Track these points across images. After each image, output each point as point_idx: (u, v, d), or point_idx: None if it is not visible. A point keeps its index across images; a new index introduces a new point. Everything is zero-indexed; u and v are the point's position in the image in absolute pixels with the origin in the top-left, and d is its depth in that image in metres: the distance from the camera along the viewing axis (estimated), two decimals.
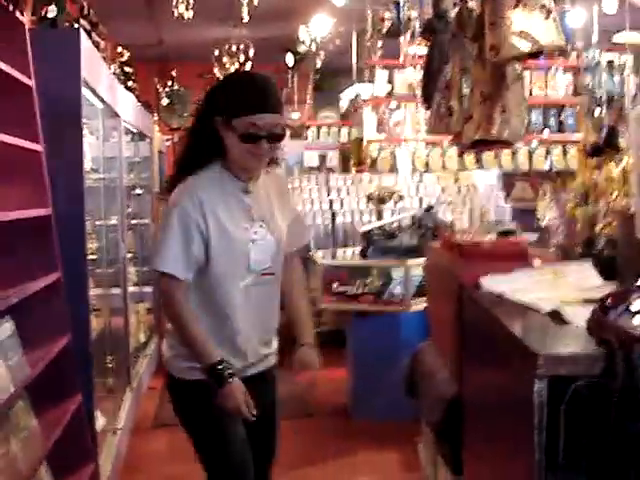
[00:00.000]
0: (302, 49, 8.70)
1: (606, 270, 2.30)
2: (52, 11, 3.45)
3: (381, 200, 6.11)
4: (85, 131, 3.39)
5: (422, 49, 6.16)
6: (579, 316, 1.77)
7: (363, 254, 5.15)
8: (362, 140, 7.52)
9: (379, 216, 6.22)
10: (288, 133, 2.27)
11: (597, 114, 4.46)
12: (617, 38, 5.84)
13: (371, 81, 7.45)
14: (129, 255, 5.23)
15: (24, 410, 2.70)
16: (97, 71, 3.55)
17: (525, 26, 2.73)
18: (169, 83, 10.03)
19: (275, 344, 2.51)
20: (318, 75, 10.04)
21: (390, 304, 4.88)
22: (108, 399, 4.16)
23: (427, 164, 7.21)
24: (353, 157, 8.00)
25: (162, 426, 4.90)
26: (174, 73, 10.02)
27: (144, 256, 6.19)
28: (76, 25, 3.87)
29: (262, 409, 2.35)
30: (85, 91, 3.23)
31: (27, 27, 2.82)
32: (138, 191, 5.84)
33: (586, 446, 1.57)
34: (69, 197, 3.11)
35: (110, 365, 4.30)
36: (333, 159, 8.99)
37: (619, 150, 3.37)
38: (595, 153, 3.49)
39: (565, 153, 7.25)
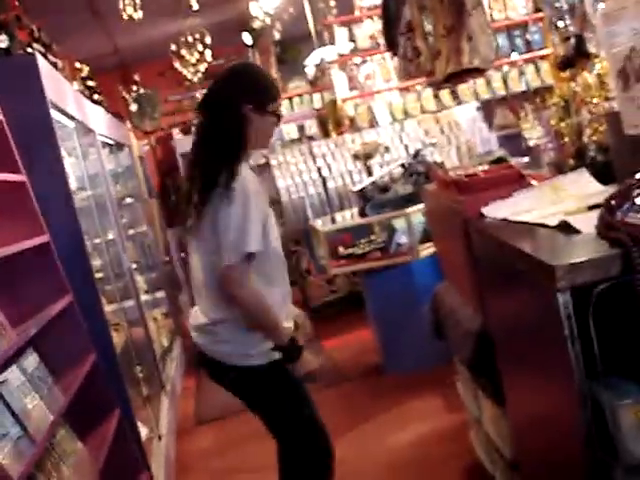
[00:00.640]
0: (257, 25, 8.64)
1: (602, 175, 2.30)
2: (3, 41, 3.41)
3: (367, 156, 6.10)
4: (63, 152, 3.37)
5: None
6: (587, 223, 1.77)
7: (362, 213, 5.15)
8: (336, 102, 7.49)
9: (369, 172, 6.21)
10: None
11: (561, 26, 4.42)
12: None
13: (332, 42, 7.40)
14: (134, 265, 5.23)
15: (67, 436, 2.72)
16: (61, 91, 3.52)
17: None
18: (134, 88, 9.95)
19: None
20: (279, 48, 9.97)
21: (398, 255, 4.89)
22: (146, 408, 4.19)
23: (405, 111, 7.18)
24: (331, 121, 7.97)
25: (204, 423, 4.96)
26: (137, 77, 9.94)
27: (148, 264, 6.19)
28: (30, 50, 3.84)
29: None
30: (54, 113, 3.21)
31: None
32: (128, 200, 5.82)
33: (621, 347, 1.58)
34: (63, 219, 3.10)
35: (140, 375, 4.32)
36: (312, 127, 8.95)
37: (590, 57, 3.34)
38: (567, 65, 3.47)
39: (538, 70, 7.22)
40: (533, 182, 2.59)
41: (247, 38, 9.29)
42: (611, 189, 2.04)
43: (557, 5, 4.59)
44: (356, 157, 6.31)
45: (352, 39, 7.27)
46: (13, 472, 1.96)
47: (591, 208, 1.92)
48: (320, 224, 5.56)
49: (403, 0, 3.31)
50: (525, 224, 2.04)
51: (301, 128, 8.97)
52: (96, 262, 3.92)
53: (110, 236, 4.41)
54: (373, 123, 7.14)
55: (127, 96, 9.89)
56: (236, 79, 2.51)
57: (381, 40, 6.05)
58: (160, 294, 6.52)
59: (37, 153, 3.01)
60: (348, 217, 5.63)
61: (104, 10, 7.14)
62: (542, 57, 7.06)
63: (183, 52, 8.59)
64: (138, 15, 6.24)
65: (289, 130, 8.92)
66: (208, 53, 8.61)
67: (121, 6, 6.21)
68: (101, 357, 3.08)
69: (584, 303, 1.55)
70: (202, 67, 8.83)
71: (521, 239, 1.91)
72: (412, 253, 4.80)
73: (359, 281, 5.61)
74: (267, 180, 6.72)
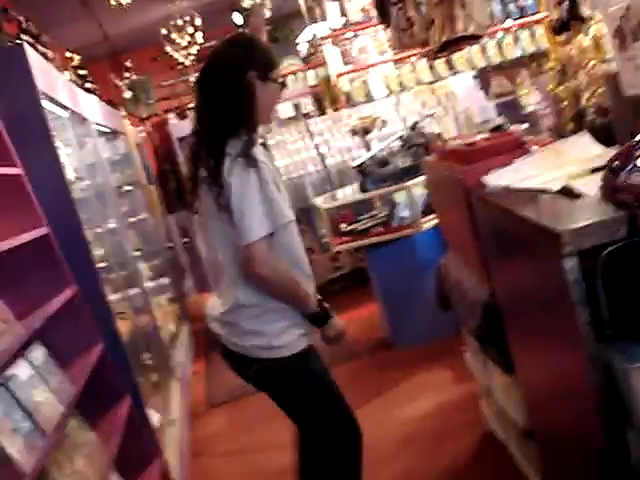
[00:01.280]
0: (247, 3, 8.55)
1: (603, 137, 2.27)
2: None
3: (365, 131, 6.06)
4: (59, 143, 3.35)
5: None
6: (590, 186, 1.75)
7: (362, 188, 5.12)
8: (331, 78, 7.44)
9: (367, 147, 6.17)
10: None
11: None
12: None
13: (324, 18, 7.34)
14: (137, 253, 5.21)
15: (79, 426, 2.72)
16: (52, 81, 3.49)
17: None
18: (126, 75, 9.89)
19: None
20: (270, 26, 9.88)
21: (401, 229, 4.87)
22: (157, 394, 4.19)
23: (401, 84, 7.12)
24: (326, 97, 7.92)
25: (216, 406, 4.97)
26: (128, 64, 9.87)
27: (151, 250, 6.18)
28: (18, 41, 3.80)
29: None
30: (46, 104, 3.18)
31: None
32: (127, 188, 5.80)
33: (631, 310, 1.57)
34: (62, 211, 3.08)
35: (149, 362, 4.32)
36: (307, 105, 8.89)
37: (584, 20, 3.30)
38: (562, 29, 3.42)
39: (533, 35, 7.15)
40: (533, 148, 2.57)
41: (237, 18, 9.21)
42: (612, 151, 2.02)
43: None
44: (354, 132, 6.27)
45: (344, 13, 7.20)
46: (26, 466, 1.96)
47: (594, 171, 1.89)
48: (321, 201, 5.53)
49: None
50: (528, 191, 2.02)
51: (297, 106, 8.91)
52: (98, 252, 3.91)
53: (111, 225, 4.39)
54: (369, 97, 7.09)
55: (120, 83, 9.83)
56: (237, 48, 2.43)
57: (373, 12, 5.98)
58: (164, 280, 6.51)
59: (32, 145, 2.99)
60: (349, 193, 5.60)
61: None
62: (536, 22, 6.98)
63: (174, 36, 8.53)
64: (127, 1, 6.18)
65: (285, 109, 8.84)
66: (199, 35, 8.55)
67: None
68: (108, 346, 3.08)
69: (591, 267, 1.54)
70: (194, 50, 8.78)
71: (524, 206, 1.89)
72: (414, 226, 4.78)
73: (363, 257, 5.59)
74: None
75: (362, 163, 5.13)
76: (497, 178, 2.26)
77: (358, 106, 7.03)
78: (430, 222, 4.65)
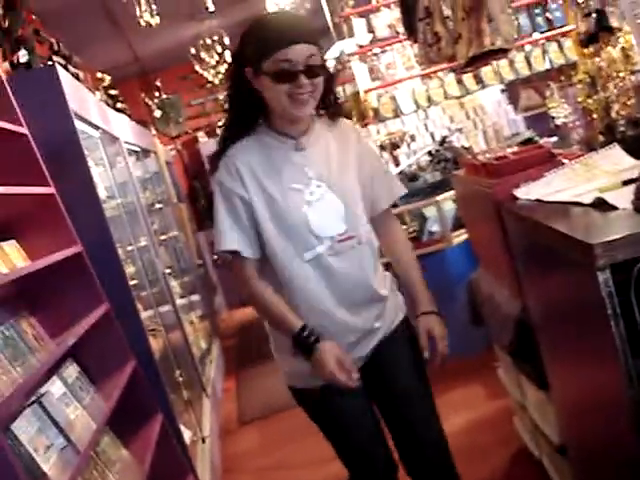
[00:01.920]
0: None
1: (634, 149, 2.24)
2: (23, 55, 3.44)
3: (394, 146, 6.05)
4: (91, 162, 3.39)
5: None
6: (622, 198, 1.73)
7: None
8: (359, 93, 7.44)
9: (396, 162, 6.16)
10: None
11: (582, 1, 4.35)
12: None
13: (351, 34, 7.35)
14: (168, 270, 5.25)
15: (112, 444, 2.74)
16: (84, 101, 3.54)
17: None
18: (156, 94, 10.00)
19: (387, 313, 2.37)
20: None
21: (431, 244, 4.85)
22: (188, 411, 4.20)
23: (429, 98, 7.11)
24: (355, 113, 7.92)
25: (247, 423, 4.97)
26: (158, 83, 9.99)
27: (182, 268, 6.22)
28: (50, 63, 3.86)
29: (388, 382, 2.42)
30: (78, 123, 3.23)
31: (4, 77, 2.81)
32: (158, 206, 5.85)
33: None
34: (94, 229, 3.11)
35: (181, 379, 4.34)
36: None
37: (613, 31, 3.28)
38: (590, 41, 3.41)
39: (561, 48, 7.10)
40: (564, 161, 2.55)
41: None
42: None
43: None
44: (382, 147, 6.27)
45: (370, 29, 7.22)
46: None
47: (625, 183, 1.88)
48: None
49: None
50: (559, 204, 2.00)
51: None
52: (130, 269, 3.95)
53: (142, 242, 4.43)
54: (397, 112, 7.07)
55: (150, 103, 9.94)
56: (241, 38, 2.07)
57: (400, 28, 5.99)
58: (195, 297, 6.54)
59: (64, 164, 3.03)
60: None
61: (122, 19, 7.16)
62: (564, 34, 6.94)
63: (202, 55, 8.60)
64: (155, 21, 6.24)
65: None
66: (227, 54, 8.61)
67: (138, 13, 6.22)
68: (140, 363, 3.09)
69: (624, 280, 1.52)
70: (222, 68, 8.84)
71: (556, 219, 1.87)
72: (445, 240, 4.76)
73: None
74: None
75: None
76: (528, 192, 2.25)
77: (386, 121, 7.03)
78: (460, 237, 4.63)
